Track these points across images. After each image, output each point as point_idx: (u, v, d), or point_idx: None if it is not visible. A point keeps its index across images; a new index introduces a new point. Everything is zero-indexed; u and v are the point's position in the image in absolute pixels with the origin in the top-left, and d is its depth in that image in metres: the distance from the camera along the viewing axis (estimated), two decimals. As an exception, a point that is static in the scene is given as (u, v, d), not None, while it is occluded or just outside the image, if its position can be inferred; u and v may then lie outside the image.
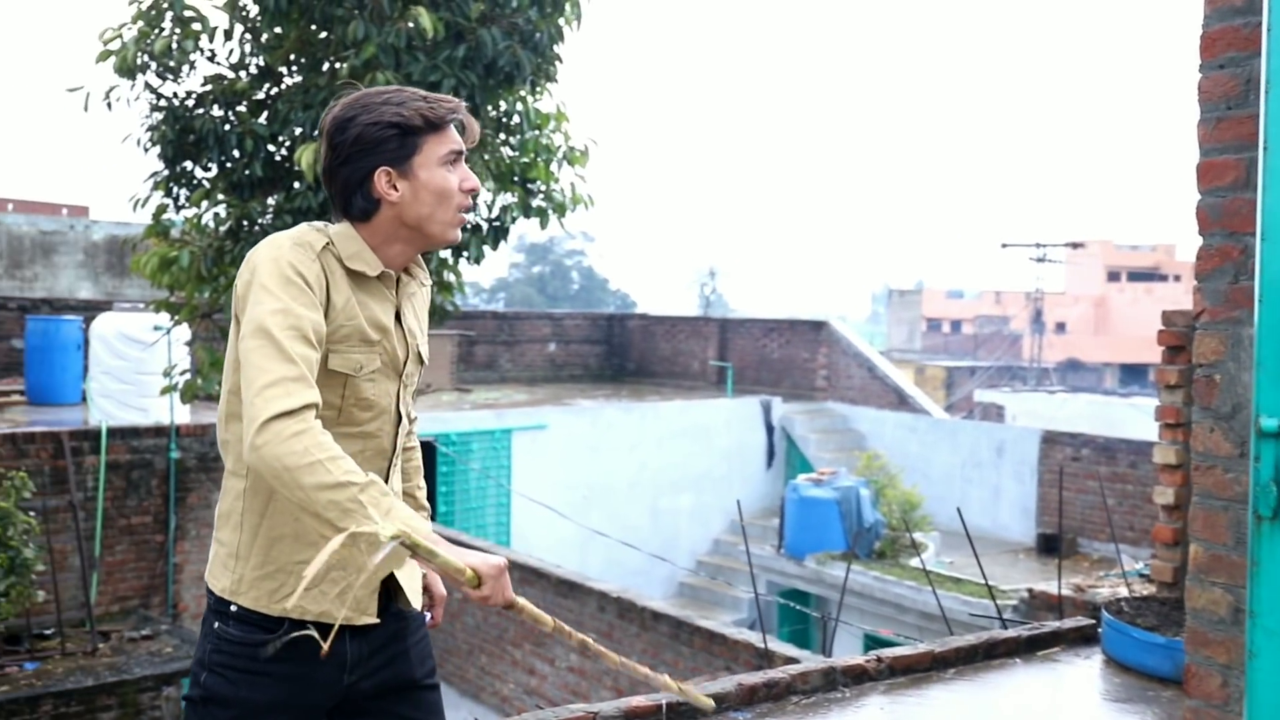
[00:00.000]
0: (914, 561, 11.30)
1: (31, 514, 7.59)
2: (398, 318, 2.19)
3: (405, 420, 2.26)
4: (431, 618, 2.38)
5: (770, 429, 15.27)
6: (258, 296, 1.99)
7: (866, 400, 15.97)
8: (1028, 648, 4.23)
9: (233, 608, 2.11)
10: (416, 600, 2.25)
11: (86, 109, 7.70)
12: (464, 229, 7.98)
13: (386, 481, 2.18)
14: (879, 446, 14.71)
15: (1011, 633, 4.28)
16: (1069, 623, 4.46)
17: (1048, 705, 3.89)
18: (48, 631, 8.97)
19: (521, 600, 2.02)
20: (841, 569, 11.07)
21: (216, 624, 2.13)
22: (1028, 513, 13.76)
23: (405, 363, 2.21)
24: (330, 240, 2.11)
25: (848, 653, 8.18)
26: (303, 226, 2.15)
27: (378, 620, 2.18)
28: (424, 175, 2.11)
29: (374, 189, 2.11)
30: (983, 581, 6.57)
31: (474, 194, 2.18)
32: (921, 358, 43.65)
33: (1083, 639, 4.38)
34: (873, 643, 10.70)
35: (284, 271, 2.01)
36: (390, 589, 2.21)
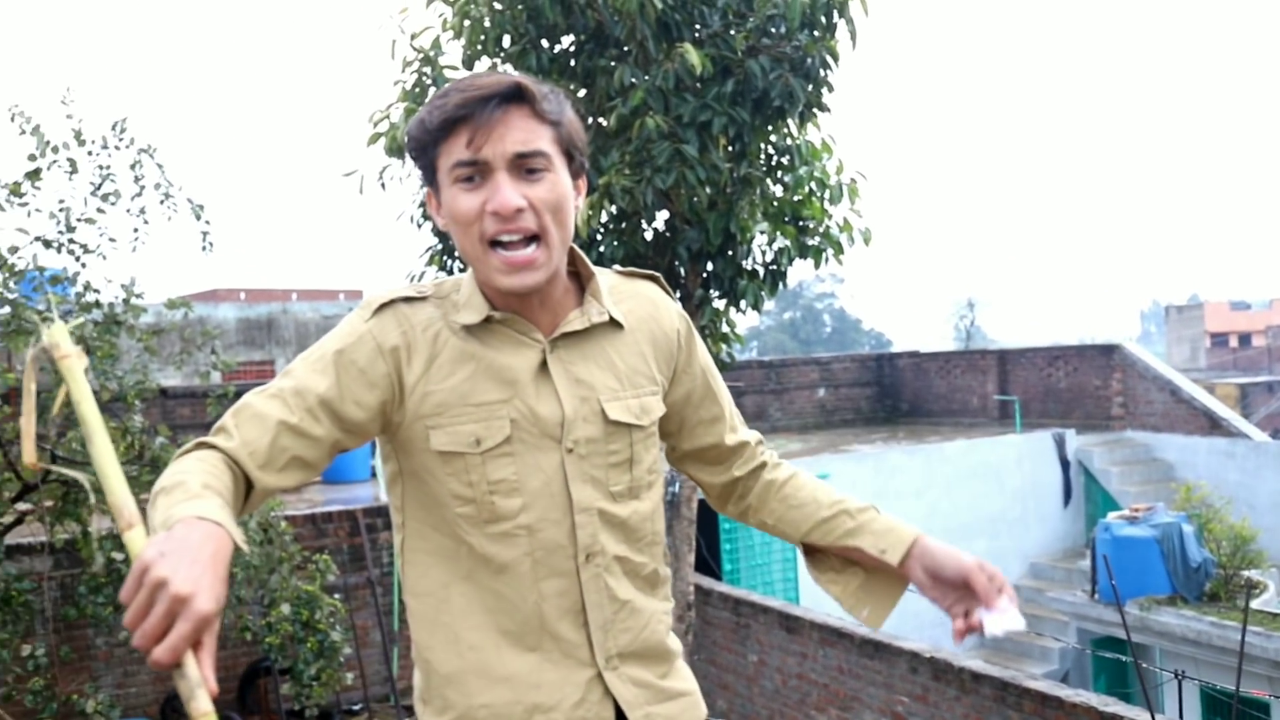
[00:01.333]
0: (1255, 603, 10.09)
1: (336, 596, 7.65)
2: (544, 369, 1.63)
3: (604, 502, 1.64)
4: None
5: (1065, 464, 14.19)
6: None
7: (1171, 427, 14.64)
8: None
9: None
10: None
11: (361, 191, 7.80)
12: (734, 275, 7.73)
13: (598, 595, 1.63)
14: (1190, 476, 13.40)
15: None
16: None
17: None
18: (355, 707, 9.06)
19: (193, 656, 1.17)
20: (1169, 614, 10.01)
21: None
22: (1379, 542, 12.18)
23: (564, 425, 1.61)
24: (433, 293, 1.65)
25: (1183, 709, 7.28)
26: (407, 285, 1.73)
27: None
28: (445, 198, 1.59)
29: (433, 216, 1.66)
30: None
31: (503, 216, 1.52)
32: (1209, 376, 40.51)
33: None
34: (1214, 699, 9.58)
35: (321, 347, 1.61)
36: None
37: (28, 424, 1.36)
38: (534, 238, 1.55)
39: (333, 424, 1.56)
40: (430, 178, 1.61)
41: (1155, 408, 14.88)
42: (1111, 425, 15.20)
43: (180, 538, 1.21)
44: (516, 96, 1.54)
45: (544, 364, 1.62)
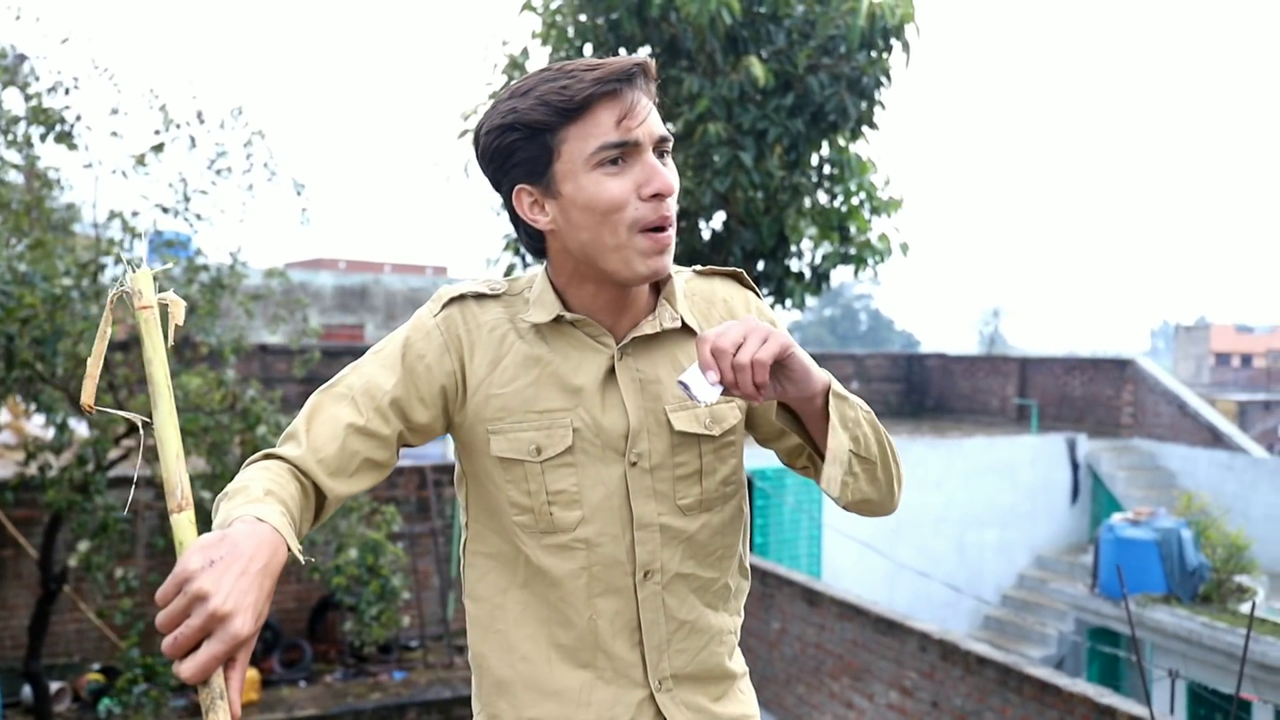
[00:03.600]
0: (1244, 607, 9.77)
1: (399, 544, 7.61)
2: (611, 376, 1.41)
3: (670, 517, 1.43)
4: None
5: (1076, 466, 13.86)
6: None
7: (1176, 438, 14.25)
8: None
9: None
10: None
11: (449, 180, 7.72)
12: (782, 276, 7.59)
13: (655, 614, 1.43)
14: (1191, 485, 13.05)
15: None
16: None
17: None
18: (413, 644, 9.04)
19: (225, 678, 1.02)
20: (1163, 612, 9.72)
21: None
22: (1366, 558, 11.76)
23: (629, 437, 1.40)
24: (505, 291, 1.45)
25: (1166, 702, 7.00)
26: (481, 279, 1.49)
27: None
28: (569, 188, 1.32)
29: (523, 216, 1.38)
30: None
31: (662, 198, 1.31)
32: (1211, 391, 39.60)
33: None
34: (1200, 695, 9.29)
35: (391, 341, 1.43)
36: None
37: (94, 365, 1.19)
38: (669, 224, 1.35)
39: (400, 422, 1.39)
40: (537, 173, 1.34)
41: (1162, 419, 14.49)
42: (1121, 433, 14.83)
43: (233, 543, 1.04)
44: (647, 75, 1.33)
45: (612, 370, 1.41)
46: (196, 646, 0.99)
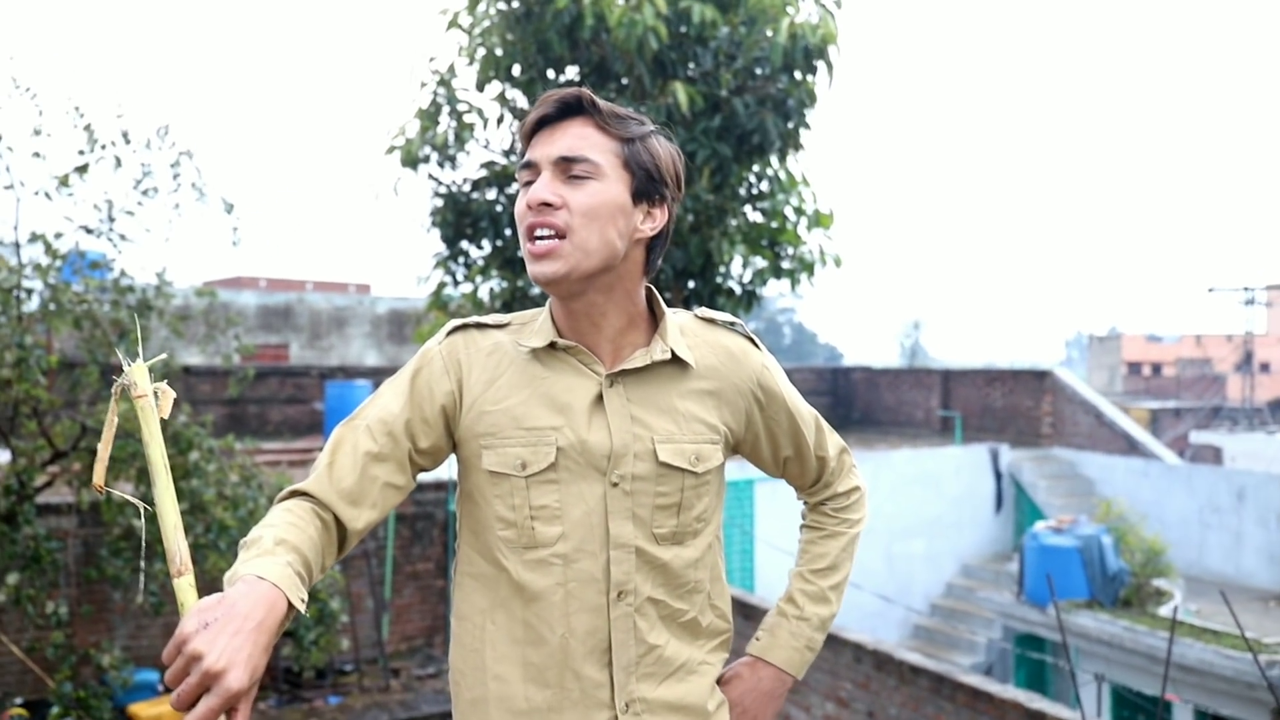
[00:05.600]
0: (1163, 610, 10.09)
1: (335, 567, 7.52)
2: (600, 401, 1.49)
3: (645, 542, 1.49)
4: None
5: (999, 475, 14.19)
6: None
7: (1094, 446, 14.68)
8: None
9: None
10: None
11: (377, 198, 7.69)
12: (713, 293, 7.66)
13: (625, 634, 1.49)
14: (1109, 492, 13.44)
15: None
16: None
17: None
18: (347, 667, 8.92)
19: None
20: (1087, 617, 10.00)
21: None
22: (1275, 559, 12.22)
23: (611, 457, 1.47)
24: (510, 322, 1.57)
25: (1094, 705, 7.24)
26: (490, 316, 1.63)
27: None
28: None
29: None
30: (1239, 633, 5.58)
31: (532, 207, 1.43)
32: (1124, 400, 40.72)
33: None
34: (1124, 698, 9.57)
35: (402, 371, 1.55)
36: None
37: (103, 450, 1.31)
38: (560, 235, 1.42)
39: (411, 445, 1.49)
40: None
41: (1081, 428, 14.91)
42: (1041, 442, 15.22)
43: (230, 604, 1.14)
44: (575, 107, 1.46)
45: (600, 396, 1.50)
46: (197, 701, 1.09)
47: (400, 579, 9.65)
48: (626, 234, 1.47)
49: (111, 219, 6.26)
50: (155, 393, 1.32)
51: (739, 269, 7.50)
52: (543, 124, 1.47)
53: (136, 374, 1.31)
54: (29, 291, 5.86)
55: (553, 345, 1.50)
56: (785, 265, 7.43)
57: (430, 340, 1.57)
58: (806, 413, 1.67)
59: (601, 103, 1.47)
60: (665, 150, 1.51)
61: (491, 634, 1.50)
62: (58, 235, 6.15)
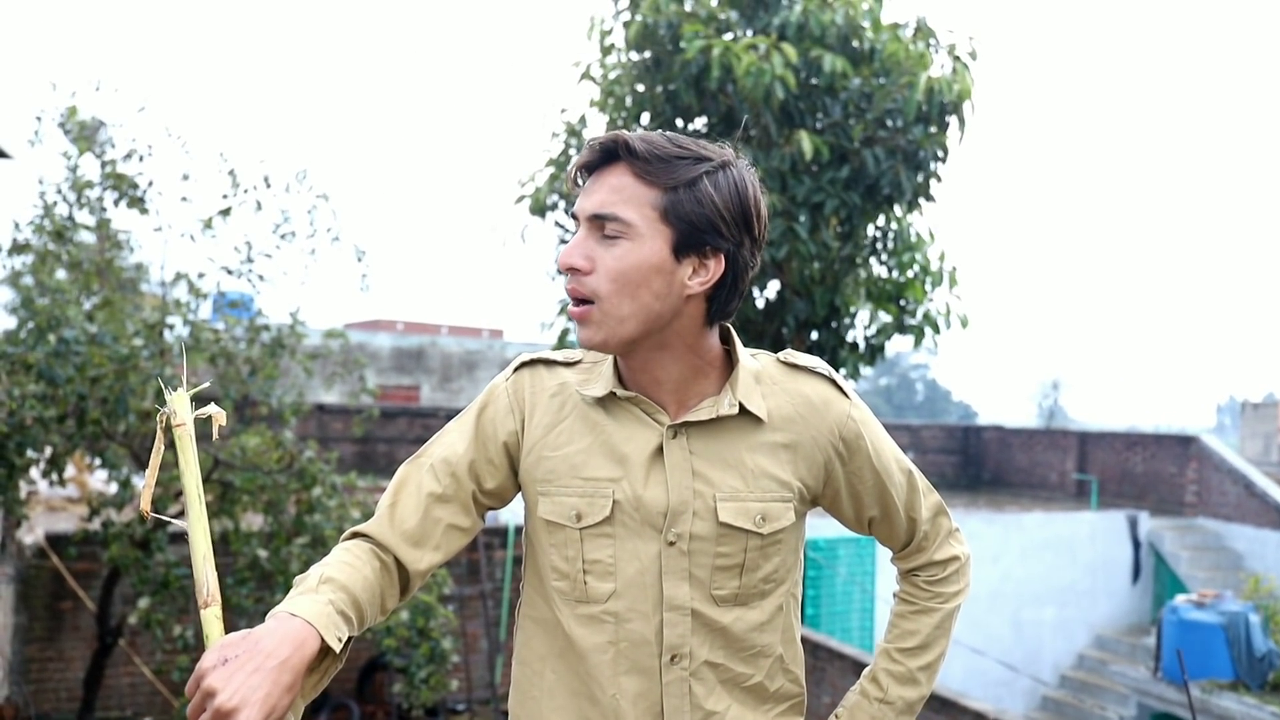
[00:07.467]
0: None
1: (449, 607, 7.62)
2: (660, 453, 1.40)
3: (703, 604, 1.40)
4: None
5: (1137, 544, 13.52)
6: None
7: (1242, 518, 13.86)
8: None
9: None
10: None
11: (504, 245, 7.85)
12: (836, 346, 7.54)
13: (679, 700, 1.40)
14: (1259, 567, 12.66)
15: None
16: None
17: None
18: (459, 707, 9.00)
19: None
20: (1231, 700, 9.40)
21: None
22: None
23: (668, 515, 1.38)
24: (580, 360, 1.49)
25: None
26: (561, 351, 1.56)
27: None
28: None
29: None
30: None
31: (567, 273, 1.35)
32: (1278, 471, 38.47)
33: None
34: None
35: (468, 409, 1.51)
36: None
37: (150, 476, 1.32)
38: (587, 300, 1.34)
39: (476, 486, 1.45)
40: None
41: (1228, 499, 14.12)
42: (1184, 511, 14.47)
43: (254, 641, 1.13)
44: (611, 154, 1.35)
45: (660, 448, 1.40)
46: None
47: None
48: (668, 293, 1.34)
49: (250, 260, 6.53)
50: (198, 419, 1.33)
51: (864, 322, 7.39)
52: (587, 170, 1.38)
53: (177, 402, 1.32)
54: (170, 327, 6.15)
55: (611, 395, 1.43)
56: (911, 322, 7.29)
57: (498, 376, 1.53)
58: (897, 469, 1.52)
59: (642, 147, 1.33)
60: (725, 191, 1.34)
61: (551, 683, 1.45)
62: (200, 275, 6.46)
